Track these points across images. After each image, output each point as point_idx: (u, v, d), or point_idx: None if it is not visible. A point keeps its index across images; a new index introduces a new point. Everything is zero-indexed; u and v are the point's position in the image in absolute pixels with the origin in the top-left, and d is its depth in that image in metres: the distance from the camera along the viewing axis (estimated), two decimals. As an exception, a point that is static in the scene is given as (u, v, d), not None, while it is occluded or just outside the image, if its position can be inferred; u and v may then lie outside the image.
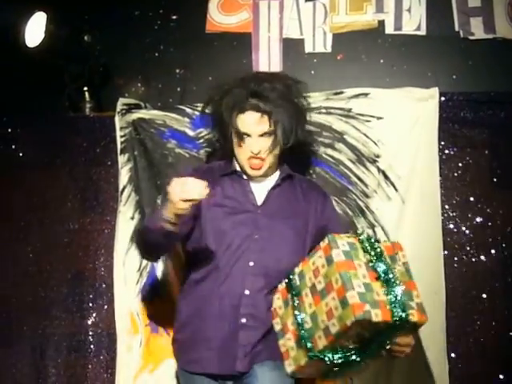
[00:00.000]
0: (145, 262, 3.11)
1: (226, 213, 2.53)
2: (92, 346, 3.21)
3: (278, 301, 2.38)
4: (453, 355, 3.00)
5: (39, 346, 3.23)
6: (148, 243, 2.47)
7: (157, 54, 3.31)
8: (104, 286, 3.22)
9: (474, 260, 3.06)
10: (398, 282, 2.16)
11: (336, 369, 2.23)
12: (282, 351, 2.33)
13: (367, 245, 2.22)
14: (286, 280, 2.34)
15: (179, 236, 2.44)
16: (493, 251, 3.05)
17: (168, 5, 3.45)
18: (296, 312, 2.26)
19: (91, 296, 3.23)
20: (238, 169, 2.61)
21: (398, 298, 2.12)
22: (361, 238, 2.24)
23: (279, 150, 2.55)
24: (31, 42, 3.12)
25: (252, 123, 2.48)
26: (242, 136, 2.49)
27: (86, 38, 3.30)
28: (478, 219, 3.09)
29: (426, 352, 2.96)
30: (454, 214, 3.09)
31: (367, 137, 3.07)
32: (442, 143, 3.09)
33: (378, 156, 3.07)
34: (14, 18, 3.09)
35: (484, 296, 3.04)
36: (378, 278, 2.16)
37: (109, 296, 3.19)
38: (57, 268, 3.27)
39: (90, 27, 3.35)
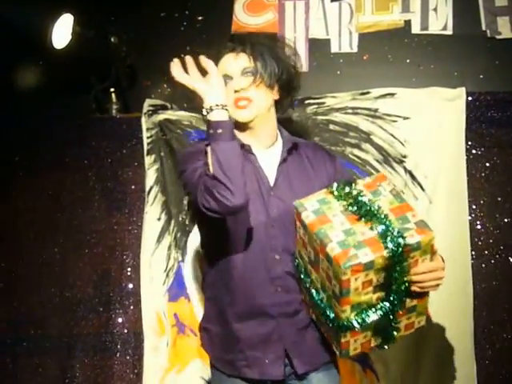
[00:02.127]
0: (171, 262, 3.13)
1: None
2: (118, 347, 3.20)
3: (301, 292, 2.29)
4: (481, 356, 2.97)
5: (66, 346, 3.23)
6: (226, 162, 2.05)
7: (183, 55, 3.30)
8: (130, 286, 3.22)
9: (501, 260, 3.03)
10: (382, 213, 2.02)
11: (381, 331, 2.11)
12: (327, 337, 2.24)
13: (339, 193, 2.10)
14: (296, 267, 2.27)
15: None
16: (521, 252, 3.03)
17: (194, 6, 3.45)
18: (311, 292, 2.18)
19: (118, 297, 3.23)
20: (243, 142, 2.36)
21: (388, 227, 1.98)
22: (331, 189, 2.13)
23: (268, 96, 2.34)
24: (58, 43, 3.13)
25: (229, 62, 2.34)
26: (225, 81, 2.27)
27: (112, 39, 3.31)
28: (506, 219, 3.06)
29: (453, 353, 2.94)
30: (482, 214, 3.06)
31: (394, 137, 3.07)
32: (469, 143, 3.07)
33: (404, 156, 3.06)
34: (41, 20, 3.10)
35: (512, 297, 3.02)
36: (359, 219, 2.03)
37: (135, 296, 3.19)
38: (83, 268, 3.28)
39: (116, 29, 3.36)
